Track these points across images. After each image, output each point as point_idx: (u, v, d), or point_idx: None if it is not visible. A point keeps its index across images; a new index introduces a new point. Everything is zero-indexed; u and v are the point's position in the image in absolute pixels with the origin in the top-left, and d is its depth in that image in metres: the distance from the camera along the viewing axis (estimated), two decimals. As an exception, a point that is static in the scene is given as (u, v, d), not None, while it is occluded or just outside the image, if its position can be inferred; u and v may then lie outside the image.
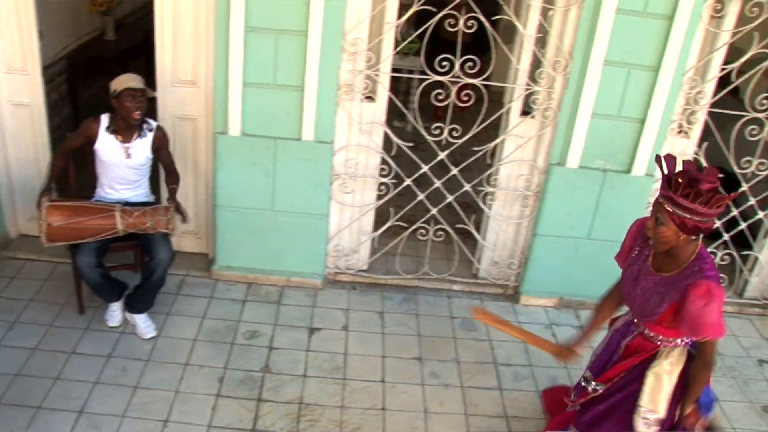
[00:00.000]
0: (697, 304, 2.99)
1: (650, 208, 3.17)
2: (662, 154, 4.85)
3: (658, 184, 5.12)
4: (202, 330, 4.81)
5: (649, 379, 3.30)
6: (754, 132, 5.04)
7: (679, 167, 3.07)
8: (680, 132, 5.15)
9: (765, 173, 5.21)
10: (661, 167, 3.10)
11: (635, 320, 3.41)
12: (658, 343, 3.31)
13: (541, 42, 4.85)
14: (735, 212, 5.41)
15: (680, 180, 2.95)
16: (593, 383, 3.52)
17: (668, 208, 2.97)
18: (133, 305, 4.69)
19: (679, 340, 3.28)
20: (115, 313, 4.73)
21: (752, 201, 5.39)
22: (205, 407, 4.18)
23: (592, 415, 3.50)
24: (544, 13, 4.71)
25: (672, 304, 3.10)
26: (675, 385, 3.29)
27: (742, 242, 5.55)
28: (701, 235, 3.07)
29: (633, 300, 3.34)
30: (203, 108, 4.97)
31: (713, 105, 5.09)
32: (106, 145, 4.46)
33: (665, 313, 3.14)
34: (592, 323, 3.72)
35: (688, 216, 2.94)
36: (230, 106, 4.74)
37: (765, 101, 4.96)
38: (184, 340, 4.71)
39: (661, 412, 3.28)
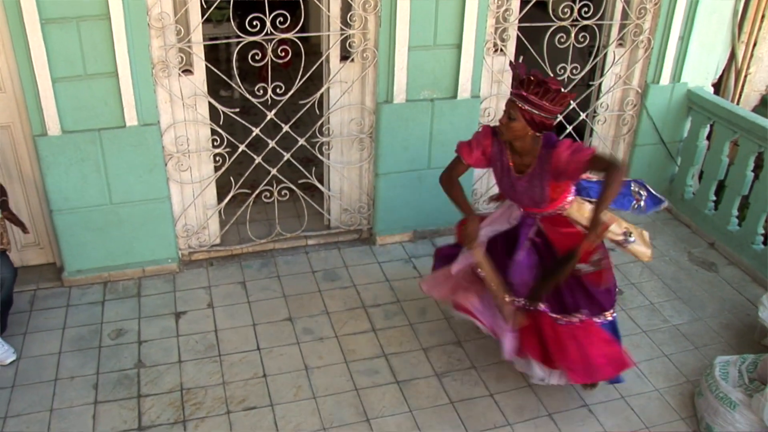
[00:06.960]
0: (564, 155, 3.49)
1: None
2: (482, 73, 4.99)
3: (485, 104, 5.32)
4: (66, 341, 4.61)
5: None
6: (562, 40, 5.28)
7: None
8: (496, 51, 5.33)
9: (579, 77, 5.47)
10: (514, 70, 3.53)
11: (526, 211, 3.85)
12: (561, 212, 3.77)
13: (349, -15, 4.85)
14: (559, 117, 5.66)
15: (531, 79, 3.40)
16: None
17: (520, 105, 3.44)
18: (-16, 332, 4.44)
19: (570, 197, 3.77)
20: (-33, 344, 4.47)
21: (573, 104, 5.66)
22: (85, 418, 4.04)
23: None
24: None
25: (550, 182, 3.59)
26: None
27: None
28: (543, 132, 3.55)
29: (521, 198, 3.77)
30: (16, 113, 4.66)
31: (522, 20, 5.28)
32: None
33: (551, 190, 3.62)
34: (468, 207, 4.01)
35: (536, 112, 3.42)
36: (43, 106, 4.46)
37: (567, 9, 5.20)
38: (49, 355, 4.49)
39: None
